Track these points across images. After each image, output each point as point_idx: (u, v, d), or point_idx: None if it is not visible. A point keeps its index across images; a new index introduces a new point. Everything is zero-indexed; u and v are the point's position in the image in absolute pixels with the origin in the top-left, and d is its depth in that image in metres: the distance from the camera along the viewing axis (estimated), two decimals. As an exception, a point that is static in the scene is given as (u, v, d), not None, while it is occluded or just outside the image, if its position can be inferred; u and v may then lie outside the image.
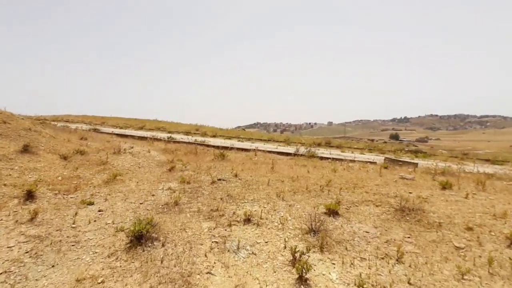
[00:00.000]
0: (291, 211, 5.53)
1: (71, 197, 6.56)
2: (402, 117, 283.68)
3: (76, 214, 5.32)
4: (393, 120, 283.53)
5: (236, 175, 8.46)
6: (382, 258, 3.85)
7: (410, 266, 3.68)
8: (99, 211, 5.69)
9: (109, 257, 3.88)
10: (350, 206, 5.94)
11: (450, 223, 4.94)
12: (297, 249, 3.81)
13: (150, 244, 4.11)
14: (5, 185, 6.49)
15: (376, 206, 5.96)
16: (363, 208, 5.82)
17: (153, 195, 6.63)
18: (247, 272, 3.59)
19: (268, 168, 9.73)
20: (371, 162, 11.87)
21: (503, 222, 4.90)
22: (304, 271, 3.32)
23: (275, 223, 4.94)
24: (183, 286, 3.27)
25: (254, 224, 4.95)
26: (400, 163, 11.40)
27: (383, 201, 6.20)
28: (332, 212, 5.34)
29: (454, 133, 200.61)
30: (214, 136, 24.65)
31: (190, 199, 6.37)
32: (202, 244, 4.24)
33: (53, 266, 3.72)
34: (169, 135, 21.37)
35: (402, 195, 6.49)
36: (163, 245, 4.10)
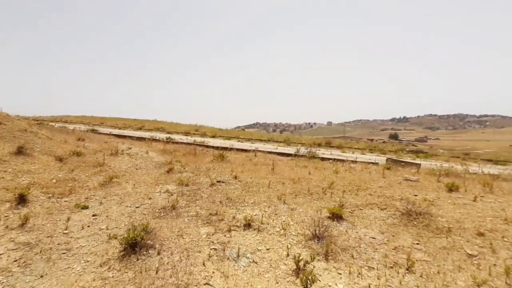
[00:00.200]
0: (293, 215, 5.31)
1: (65, 201, 6.33)
2: (401, 117, 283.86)
3: (68, 219, 5.08)
4: (392, 119, 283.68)
5: (235, 177, 8.23)
6: (391, 267, 3.64)
7: (421, 276, 3.46)
8: (93, 215, 5.46)
9: (101, 266, 3.65)
10: (354, 210, 5.72)
11: (460, 228, 4.72)
12: (300, 258, 3.59)
13: (145, 252, 3.88)
14: (-4, 188, 6.27)
15: (381, 209, 5.74)
16: (368, 212, 5.61)
17: (150, 198, 6.41)
18: (247, 283, 3.37)
19: (269, 169, 9.51)
20: (373, 163, 11.66)
21: (515, 227, 4.69)
22: (309, 282, 3.10)
23: (276, 228, 4.72)
24: (179, 298, 3.05)
25: (254, 229, 4.73)
26: (403, 163, 11.20)
27: (388, 204, 5.99)
28: (336, 217, 5.12)
29: (454, 132, 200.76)
30: (213, 137, 24.44)
31: (188, 202, 6.15)
32: (200, 252, 4.02)
33: (41, 277, 3.49)
34: (168, 135, 21.14)
35: (407, 198, 6.29)
36: (158, 253, 3.88)
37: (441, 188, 7.15)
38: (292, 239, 4.37)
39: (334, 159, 12.48)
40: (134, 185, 7.56)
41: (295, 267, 3.54)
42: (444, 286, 3.25)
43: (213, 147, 15.48)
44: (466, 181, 7.92)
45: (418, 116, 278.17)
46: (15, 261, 3.82)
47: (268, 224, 4.90)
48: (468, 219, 5.09)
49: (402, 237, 4.49)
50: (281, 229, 4.69)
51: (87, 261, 3.80)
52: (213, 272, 3.56)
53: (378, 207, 5.87)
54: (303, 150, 14.45)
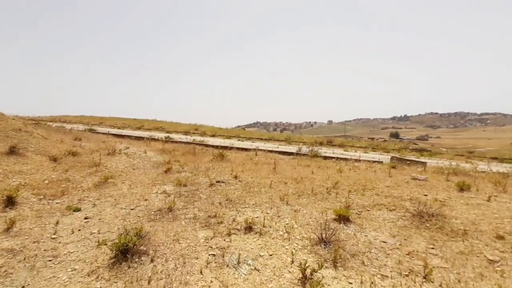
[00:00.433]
0: (297, 218, 4.99)
1: (56, 203, 6.03)
2: (402, 115, 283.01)
3: (57, 222, 4.77)
4: (393, 118, 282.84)
5: (236, 177, 7.92)
6: (407, 275, 3.32)
7: (440, 285, 3.14)
8: (85, 218, 5.15)
9: (89, 275, 3.34)
10: (361, 211, 5.40)
11: (476, 231, 4.40)
12: (307, 265, 3.27)
13: (137, 259, 3.57)
14: (-17, 190, 5.96)
15: (390, 210, 5.42)
16: (376, 213, 5.29)
17: (146, 200, 6.09)
18: (249, 293, 3.05)
19: (270, 168, 9.19)
20: (377, 162, 11.32)
21: (535, 229, 4.37)
22: (317, 294, 2.79)
23: (280, 232, 4.40)
24: (173, 312, 2.74)
25: (256, 233, 4.42)
26: (408, 162, 10.87)
27: (397, 204, 5.67)
28: (343, 219, 4.81)
29: (455, 131, 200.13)
30: (213, 136, 24.13)
31: (186, 203, 5.83)
32: (197, 258, 3.71)
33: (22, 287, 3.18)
34: (167, 135, 20.83)
35: (417, 198, 5.97)
36: (152, 261, 3.56)
37: (451, 187, 6.82)
38: (296, 243, 4.05)
39: (337, 158, 12.15)
40: (130, 185, 7.25)
41: (301, 276, 3.22)
42: (467, 297, 2.94)
43: (212, 146, 15.16)
44: (476, 180, 7.59)
45: (419, 115, 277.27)
46: (-3, 269, 3.52)
47: (270, 227, 4.59)
48: (484, 220, 4.77)
49: (415, 241, 4.17)
50: (284, 233, 4.37)
51: (74, 269, 3.49)
52: (211, 282, 3.24)
53: (387, 208, 5.55)
54: (305, 148, 14.13)
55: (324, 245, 3.85)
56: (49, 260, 3.71)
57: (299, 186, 7.15)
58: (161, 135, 20.38)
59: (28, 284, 3.23)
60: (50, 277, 3.36)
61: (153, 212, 5.25)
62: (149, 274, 3.30)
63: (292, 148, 16.09)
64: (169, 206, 5.40)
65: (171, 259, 3.64)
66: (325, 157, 12.28)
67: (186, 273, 3.36)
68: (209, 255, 3.80)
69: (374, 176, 8.16)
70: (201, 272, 3.39)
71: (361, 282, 3.16)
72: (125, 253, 3.55)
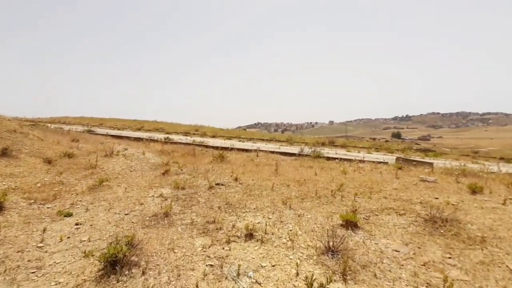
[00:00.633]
0: (301, 223, 4.67)
1: (47, 207, 5.73)
2: (404, 116, 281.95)
3: (44, 230, 4.47)
4: (395, 118, 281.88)
5: (236, 179, 7.61)
6: (425, 290, 3.00)
7: (464, 302, 2.82)
8: (76, 224, 4.86)
9: (73, 290, 3.04)
10: (369, 216, 5.08)
11: (495, 238, 4.08)
12: (314, 278, 2.95)
13: (127, 272, 3.26)
14: (-30, 194, 5.67)
15: (400, 215, 5.10)
16: (385, 218, 4.96)
17: (141, 204, 5.79)
18: (250, 311, 2.74)
19: (272, 170, 8.88)
20: (382, 163, 10.99)
21: (559, 235, 4.04)
22: (326, 313, 2.47)
23: (283, 240, 4.09)
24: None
25: (257, 240, 4.10)
26: (414, 163, 10.53)
27: (407, 208, 5.34)
28: (350, 224, 4.49)
29: (456, 130, 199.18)
30: (214, 137, 23.84)
31: (183, 208, 5.53)
32: (193, 270, 3.39)
33: (0, 304, 2.88)
34: (166, 136, 20.55)
35: (427, 202, 5.64)
36: (143, 273, 3.25)
37: (462, 189, 6.49)
38: (301, 252, 3.73)
39: (340, 159, 11.83)
40: (126, 188, 6.95)
41: (307, 291, 2.90)
42: (495, 317, 2.61)
43: (213, 147, 14.86)
44: (487, 182, 7.25)
45: (421, 115, 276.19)
46: (-26, 283, 3.22)
47: (272, 234, 4.27)
48: (502, 226, 4.44)
49: (429, 249, 3.84)
50: (288, 240, 4.05)
51: (59, 283, 3.18)
52: (208, 297, 2.93)
53: (396, 212, 5.23)
54: (307, 149, 13.80)
55: (332, 254, 3.53)
56: (32, 272, 3.41)
57: (302, 188, 6.84)
58: (161, 136, 20.10)
59: (6, 301, 2.93)
60: (31, 292, 3.06)
61: (148, 218, 4.95)
62: (140, 289, 2.99)
63: (294, 149, 15.77)
64: (165, 211, 5.09)
65: (164, 271, 3.33)
66: (328, 158, 11.96)
67: (180, 287, 3.05)
68: (207, 265, 3.49)
69: (380, 178, 7.84)
70: (197, 286, 3.08)
71: (375, 298, 2.84)
72: (114, 265, 3.25)
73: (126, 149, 12.67)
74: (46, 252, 3.93)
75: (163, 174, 8.51)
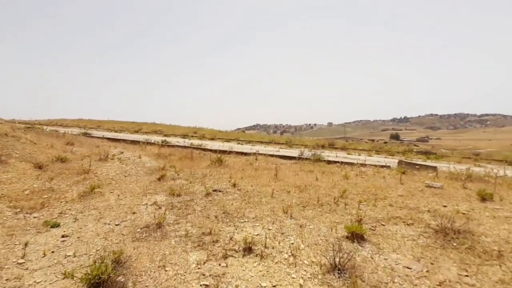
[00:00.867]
0: (303, 235, 4.37)
1: (34, 217, 5.41)
2: (402, 117, 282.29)
3: (26, 244, 4.13)
4: (393, 120, 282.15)
5: (234, 185, 7.31)
6: (443, 316, 2.70)
7: (488, 331, 2.52)
8: (63, 236, 4.54)
9: (51, 317, 2.72)
10: (376, 226, 4.78)
11: (513, 251, 3.79)
12: (319, 302, 2.65)
13: (112, 295, 2.95)
14: (-50, 204, 5.35)
15: (408, 225, 4.80)
16: (393, 229, 4.66)
17: (133, 213, 5.47)
18: None
19: (271, 175, 8.58)
20: (384, 166, 10.71)
21: None
22: None
23: (284, 255, 3.78)
24: None
25: (256, 255, 3.79)
26: (417, 166, 10.25)
27: (415, 218, 5.05)
28: (356, 236, 4.19)
29: (455, 132, 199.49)
30: (212, 139, 23.52)
31: (178, 217, 5.21)
32: (186, 291, 3.08)
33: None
34: (164, 138, 20.22)
35: (436, 210, 5.35)
36: (130, 296, 2.94)
37: (471, 196, 6.21)
38: (305, 270, 3.42)
39: (341, 162, 11.54)
40: (118, 196, 6.63)
41: (312, 317, 2.60)
42: None
43: (211, 150, 14.56)
44: (496, 187, 6.97)
45: (419, 116, 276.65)
46: None
47: (273, 248, 3.96)
48: (518, 238, 4.16)
49: (443, 265, 3.55)
50: (289, 256, 3.75)
51: (36, 308, 2.87)
52: (202, 324, 2.62)
53: (403, 222, 4.93)
54: (307, 152, 13.52)
55: (339, 273, 3.23)
56: (9, 294, 3.09)
57: (303, 195, 6.54)
58: (158, 138, 19.78)
59: (-25, 330, 2.61)
60: (4, 319, 2.74)
61: (139, 229, 4.63)
62: (125, 316, 2.68)
63: (294, 152, 15.48)
64: (158, 222, 4.78)
65: (154, 293, 3.02)
66: (329, 162, 11.68)
67: (171, 313, 2.74)
68: (201, 286, 3.18)
69: (384, 183, 7.54)
70: (189, 311, 2.77)
71: (388, 327, 2.54)
72: (98, 287, 2.93)
73: (122, 153, 12.34)
74: (27, 269, 3.61)
75: (159, 179, 8.19)
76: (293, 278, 3.28)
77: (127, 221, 5.07)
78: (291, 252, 3.82)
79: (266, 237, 4.22)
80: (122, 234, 4.52)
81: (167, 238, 4.33)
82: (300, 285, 3.09)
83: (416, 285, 3.14)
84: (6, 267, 3.62)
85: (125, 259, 3.46)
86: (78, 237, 4.49)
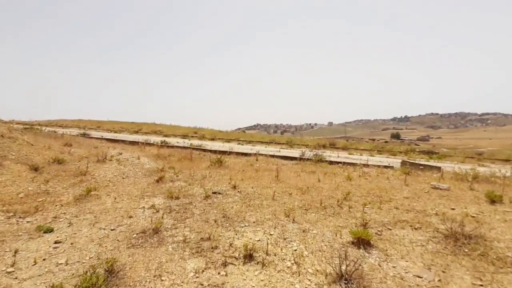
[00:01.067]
0: (306, 241, 4.17)
1: (27, 221, 5.22)
2: (403, 116, 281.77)
3: (16, 252, 3.94)
4: (394, 119, 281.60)
5: (234, 187, 7.12)
6: (460, 332, 2.50)
7: None
8: (56, 242, 4.35)
9: (38, 333, 2.53)
10: (382, 230, 4.59)
11: (528, 258, 3.59)
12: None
13: (103, 308, 2.75)
14: None
15: (415, 229, 4.60)
16: (400, 233, 4.47)
17: (130, 217, 5.28)
18: None
19: (272, 176, 8.39)
20: (387, 167, 10.50)
21: None
22: None
23: (287, 262, 3.58)
24: None
25: (257, 263, 3.60)
26: (421, 167, 10.05)
27: (422, 221, 4.85)
28: (363, 242, 3.99)
29: (455, 131, 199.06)
30: (212, 139, 23.34)
31: (176, 222, 5.02)
32: (183, 303, 2.89)
33: None
34: (163, 139, 20.04)
35: (444, 213, 5.15)
36: (123, 310, 2.75)
37: (480, 198, 6.01)
38: (309, 280, 3.22)
39: (344, 163, 11.34)
40: (115, 198, 6.44)
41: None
42: None
43: (210, 151, 14.38)
44: (504, 189, 6.77)
45: (420, 115, 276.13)
46: None
47: (275, 255, 3.77)
48: (533, 243, 3.96)
49: (456, 273, 3.35)
50: (293, 264, 3.55)
51: (22, 322, 2.68)
52: None
53: (411, 225, 4.73)
54: (308, 152, 13.33)
55: (345, 283, 3.03)
56: (-6, 307, 2.90)
57: (306, 197, 6.35)
58: (158, 139, 19.60)
59: None
60: (-13, 335, 2.55)
61: (135, 235, 4.43)
62: (117, 333, 2.49)
63: (295, 152, 15.29)
64: (155, 227, 4.58)
65: (148, 306, 2.82)
66: (331, 162, 11.48)
67: (166, 328, 2.55)
68: (199, 297, 2.98)
69: (388, 185, 7.35)
70: (186, 326, 2.57)
71: None
72: (89, 299, 2.74)
73: (121, 154, 12.17)
74: (16, 278, 3.42)
75: (157, 181, 8.01)
76: (296, 288, 3.08)
77: (123, 226, 4.88)
78: (294, 259, 3.63)
79: (267, 243, 4.02)
80: (117, 240, 4.32)
81: (164, 244, 4.14)
82: (305, 297, 2.90)
83: (428, 296, 2.94)
84: (-7, 276, 3.44)
85: (119, 268, 3.27)
86: (71, 243, 4.30)
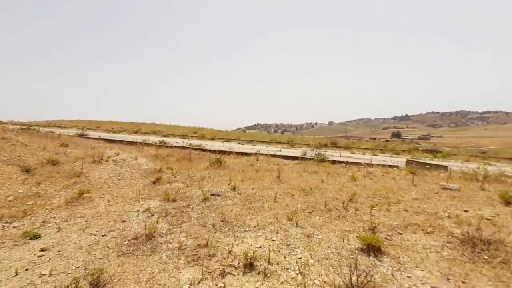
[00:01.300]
0: (311, 247, 3.86)
1: (13, 227, 4.93)
2: (403, 115, 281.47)
3: (-3, 261, 3.64)
4: (394, 118, 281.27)
5: (234, 188, 6.81)
6: None
7: None
8: (42, 250, 4.04)
9: None
10: (392, 235, 4.27)
11: (555, 266, 3.27)
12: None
13: (85, 329, 2.45)
14: None
15: (428, 233, 4.29)
16: (411, 238, 4.15)
17: (123, 221, 4.98)
18: None
19: (273, 176, 8.08)
20: (393, 166, 10.18)
21: None
22: None
23: (291, 272, 3.27)
24: None
25: (259, 273, 3.29)
26: (427, 166, 9.73)
27: (435, 225, 4.53)
28: (373, 249, 3.68)
29: (456, 129, 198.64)
30: (212, 139, 23.03)
31: (171, 226, 4.71)
32: (176, 320, 2.58)
33: None
34: (162, 139, 19.74)
35: (457, 216, 4.84)
36: (107, 331, 2.44)
37: (493, 199, 5.69)
38: (316, 293, 2.91)
39: (347, 162, 11.03)
40: (109, 201, 6.14)
41: None
42: None
43: (210, 150, 14.07)
44: (517, 188, 6.45)
45: (420, 114, 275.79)
46: None
47: (278, 264, 3.45)
48: (557, 249, 3.64)
49: (477, 284, 3.04)
50: (297, 274, 3.24)
51: None
52: None
53: (422, 229, 4.42)
54: (309, 152, 13.01)
55: (357, 297, 2.72)
56: (-35, 327, 2.60)
57: (309, 199, 6.03)
58: (157, 139, 19.29)
59: None
60: None
61: (127, 242, 4.12)
62: None
63: (296, 152, 14.98)
64: (148, 232, 4.28)
65: (136, 325, 2.51)
66: (333, 162, 11.16)
67: None
68: (194, 313, 2.67)
69: (395, 185, 7.03)
70: None
71: None
72: (69, 319, 2.43)
73: (118, 154, 11.88)
74: (-6, 292, 3.12)
75: (154, 182, 7.70)
76: (302, 303, 2.77)
77: (115, 231, 4.57)
78: (298, 269, 3.31)
79: (269, 250, 3.71)
80: (108, 247, 4.01)
81: (157, 252, 3.83)
82: (312, 313, 2.59)
83: (450, 312, 2.63)
84: (-31, 289, 3.13)
85: (105, 281, 2.96)
86: (58, 251, 3.99)
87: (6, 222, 5.07)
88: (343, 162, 11.05)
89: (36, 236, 4.54)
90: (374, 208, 5.31)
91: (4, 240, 4.37)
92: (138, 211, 5.47)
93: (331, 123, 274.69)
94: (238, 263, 3.48)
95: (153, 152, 13.29)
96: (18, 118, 32.91)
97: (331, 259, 3.52)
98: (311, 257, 3.58)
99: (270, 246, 3.88)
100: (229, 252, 3.76)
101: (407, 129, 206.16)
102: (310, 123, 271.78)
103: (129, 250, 3.88)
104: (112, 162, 10.27)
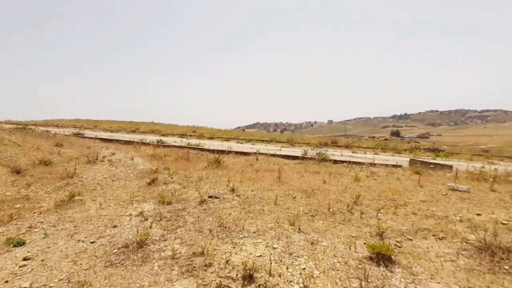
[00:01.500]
0: (316, 256, 3.56)
1: (-3, 233, 4.62)
2: (403, 114, 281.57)
3: (-28, 273, 3.34)
4: (394, 117, 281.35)
5: (233, 189, 6.52)
6: None
7: None
8: (24, 259, 3.74)
9: None
10: (401, 241, 3.98)
11: None
12: None
13: None
14: None
15: (440, 239, 4.00)
16: (422, 245, 3.86)
17: (114, 227, 4.68)
18: None
19: (274, 177, 7.79)
20: (396, 166, 9.90)
21: None
22: None
23: (294, 286, 2.97)
24: None
25: (259, 286, 2.99)
26: (432, 166, 9.44)
27: (446, 230, 4.25)
28: (382, 258, 3.38)
29: (455, 128, 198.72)
30: (211, 138, 22.70)
31: (165, 232, 4.42)
32: None
33: None
34: (160, 138, 19.42)
35: (469, 220, 4.55)
36: None
37: (506, 201, 5.41)
38: (323, 310, 2.62)
39: (349, 162, 10.73)
40: (101, 204, 5.84)
41: None
42: None
43: (209, 150, 13.76)
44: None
45: (419, 113, 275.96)
46: None
47: (280, 276, 3.16)
48: None
49: (500, 299, 2.75)
50: (301, 287, 2.94)
51: None
52: None
53: (434, 235, 4.13)
54: (310, 151, 12.71)
55: (369, 317, 2.43)
56: None
57: (311, 201, 5.74)
58: (155, 138, 18.98)
59: None
60: None
61: (116, 250, 3.82)
62: None
63: (296, 151, 14.69)
64: (140, 239, 3.98)
65: None
66: (335, 161, 10.87)
67: None
68: (186, 334, 2.38)
69: (400, 186, 6.74)
70: None
71: None
72: None
73: (114, 154, 11.58)
74: (-34, 309, 2.82)
75: (150, 183, 7.40)
76: (308, 323, 2.48)
77: (105, 238, 4.27)
78: (303, 282, 3.01)
79: (270, 260, 3.41)
80: (95, 256, 3.71)
81: (149, 262, 3.53)
82: (319, 336, 2.30)
83: (475, 334, 2.34)
84: None
85: (89, 297, 2.66)
86: (42, 260, 3.69)
87: (-10, 228, 4.76)
88: (345, 161, 10.76)
89: (21, 243, 4.24)
90: (380, 211, 5.02)
91: (-15, 247, 4.07)
92: (131, 215, 5.17)
93: (330, 122, 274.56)
94: (237, 275, 3.18)
95: (150, 151, 12.98)
96: (16, 118, 32.56)
97: (338, 270, 3.23)
98: (316, 267, 3.28)
99: (271, 254, 3.59)
100: (227, 261, 3.46)
101: (406, 128, 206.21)
102: (310, 122, 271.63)
103: (118, 259, 3.57)
104: (107, 162, 9.97)
